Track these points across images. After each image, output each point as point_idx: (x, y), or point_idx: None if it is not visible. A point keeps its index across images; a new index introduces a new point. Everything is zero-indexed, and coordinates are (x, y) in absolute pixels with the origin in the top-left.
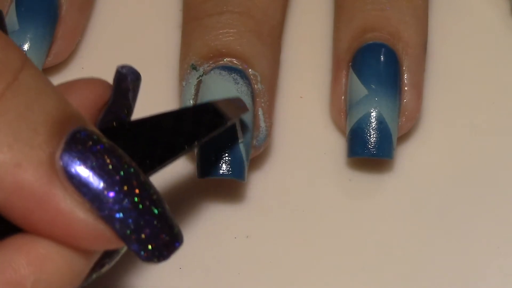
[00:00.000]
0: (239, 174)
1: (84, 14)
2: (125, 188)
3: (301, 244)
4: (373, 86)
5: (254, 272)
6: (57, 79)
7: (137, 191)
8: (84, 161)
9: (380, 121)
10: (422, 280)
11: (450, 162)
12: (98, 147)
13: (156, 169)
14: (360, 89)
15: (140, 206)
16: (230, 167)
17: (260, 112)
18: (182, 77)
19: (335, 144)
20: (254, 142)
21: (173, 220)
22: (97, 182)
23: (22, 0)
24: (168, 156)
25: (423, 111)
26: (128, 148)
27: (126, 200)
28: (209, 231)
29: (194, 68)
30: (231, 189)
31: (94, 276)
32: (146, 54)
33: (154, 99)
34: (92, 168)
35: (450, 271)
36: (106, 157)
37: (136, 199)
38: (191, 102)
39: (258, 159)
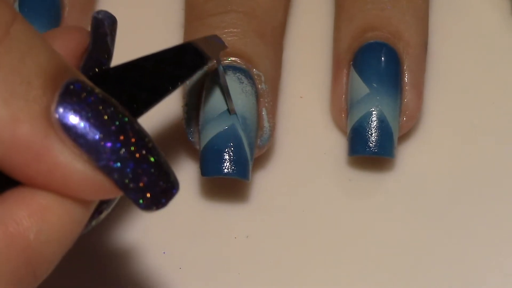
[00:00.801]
0: (243, 174)
1: (85, 15)
2: (122, 137)
3: (301, 244)
4: (375, 85)
5: (254, 272)
6: None
7: (133, 140)
8: (80, 113)
9: (382, 119)
10: (422, 279)
11: (450, 162)
12: (93, 98)
13: (143, 113)
14: (361, 88)
15: (137, 155)
16: (235, 167)
17: (264, 112)
18: None
19: (335, 144)
20: (258, 142)
21: (169, 167)
22: (93, 133)
23: (25, 1)
24: (153, 99)
25: (423, 110)
26: (114, 94)
27: (123, 150)
28: (209, 231)
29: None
30: (231, 189)
31: (93, 223)
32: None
33: None
34: (87, 119)
35: (450, 271)
36: (101, 107)
37: (132, 148)
38: (196, 100)
39: (258, 158)
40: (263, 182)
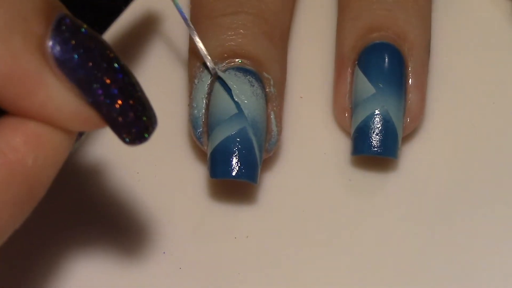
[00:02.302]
0: (252, 177)
1: None
2: (111, 73)
3: (301, 244)
4: (381, 85)
5: (254, 272)
6: None
7: (120, 75)
8: (72, 48)
9: (387, 120)
10: (423, 279)
11: (451, 163)
12: (83, 33)
13: (102, 34)
14: (367, 88)
15: (125, 91)
16: (245, 170)
17: (272, 116)
18: (194, 75)
19: (336, 144)
20: (266, 145)
21: (149, 102)
22: (85, 68)
23: None
24: (111, 19)
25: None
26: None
27: (112, 86)
28: (209, 231)
29: (207, 67)
30: (231, 189)
31: (76, 145)
32: (147, 54)
33: (156, 97)
34: (80, 55)
35: (450, 270)
36: (90, 43)
37: (121, 84)
38: (205, 101)
39: None
40: (263, 182)
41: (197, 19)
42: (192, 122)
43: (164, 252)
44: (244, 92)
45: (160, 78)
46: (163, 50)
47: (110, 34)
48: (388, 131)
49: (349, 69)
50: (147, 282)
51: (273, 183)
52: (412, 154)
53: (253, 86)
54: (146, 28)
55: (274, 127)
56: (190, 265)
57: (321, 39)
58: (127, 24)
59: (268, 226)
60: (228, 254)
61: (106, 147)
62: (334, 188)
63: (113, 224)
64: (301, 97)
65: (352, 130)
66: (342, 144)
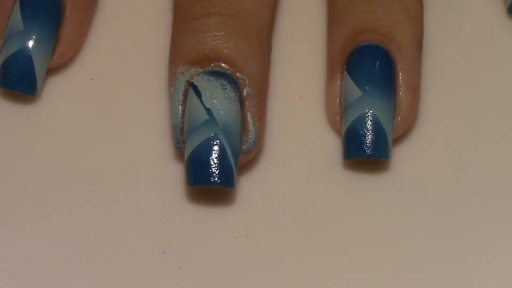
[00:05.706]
0: (228, 183)
1: (88, 15)
2: None
3: (301, 244)
4: (367, 88)
5: (254, 272)
6: (56, 79)
7: None
8: None
9: (375, 122)
10: (421, 279)
11: (449, 162)
12: None
13: None
14: (354, 91)
15: None
16: (220, 176)
17: (248, 116)
18: (171, 82)
19: (336, 144)
20: (244, 147)
21: None
22: None
23: (26, 1)
24: None
25: (423, 111)
26: None
27: None
28: (209, 231)
29: (181, 73)
30: (231, 190)
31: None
32: (147, 54)
33: (155, 96)
34: None
35: (449, 271)
36: None
37: None
38: (180, 108)
39: (257, 159)
40: (264, 182)
41: (175, 25)
42: (172, 131)
43: (164, 252)
44: (216, 96)
45: (159, 78)
46: (163, 49)
47: (109, 32)
48: (377, 133)
49: (338, 74)
50: (147, 282)
51: (273, 183)
52: (412, 153)
53: (225, 89)
54: (145, 26)
55: (251, 127)
56: (190, 265)
57: (321, 39)
58: (125, 23)
59: (268, 226)
60: (228, 254)
61: (106, 147)
62: (334, 188)
63: (113, 224)
64: (301, 97)
65: (342, 134)
66: (342, 144)
